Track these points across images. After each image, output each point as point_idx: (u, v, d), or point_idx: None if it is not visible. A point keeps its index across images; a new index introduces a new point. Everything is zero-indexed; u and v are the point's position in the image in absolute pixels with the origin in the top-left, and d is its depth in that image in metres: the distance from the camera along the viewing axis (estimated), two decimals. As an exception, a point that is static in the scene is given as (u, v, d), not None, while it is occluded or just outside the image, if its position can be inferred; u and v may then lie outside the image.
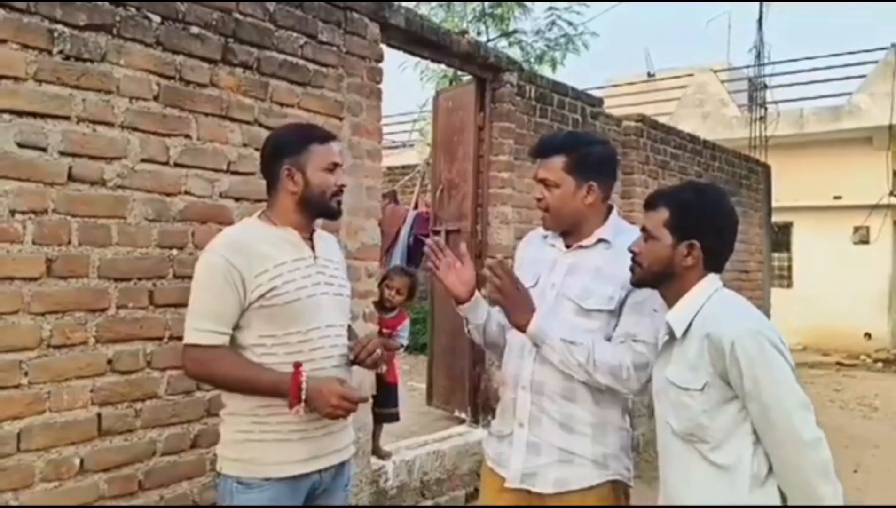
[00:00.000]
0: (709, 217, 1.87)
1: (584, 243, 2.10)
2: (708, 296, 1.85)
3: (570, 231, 2.14)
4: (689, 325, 1.82)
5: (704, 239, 1.85)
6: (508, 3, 9.47)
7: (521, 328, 2.00)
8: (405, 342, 4.11)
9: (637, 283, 1.94)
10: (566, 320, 2.03)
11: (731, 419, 1.76)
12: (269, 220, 2.03)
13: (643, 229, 1.92)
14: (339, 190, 2.07)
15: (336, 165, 2.05)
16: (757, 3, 11.51)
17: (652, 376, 1.97)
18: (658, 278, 1.90)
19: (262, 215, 2.07)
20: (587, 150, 2.11)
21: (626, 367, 1.96)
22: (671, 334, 1.86)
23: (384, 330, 3.84)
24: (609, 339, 2.03)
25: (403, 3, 4.00)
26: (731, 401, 1.76)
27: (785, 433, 1.70)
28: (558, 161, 2.07)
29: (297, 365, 1.89)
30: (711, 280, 1.88)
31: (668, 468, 1.90)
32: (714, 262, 1.89)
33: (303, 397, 1.86)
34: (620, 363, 1.96)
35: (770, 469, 1.76)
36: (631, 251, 1.93)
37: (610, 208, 2.16)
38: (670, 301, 1.90)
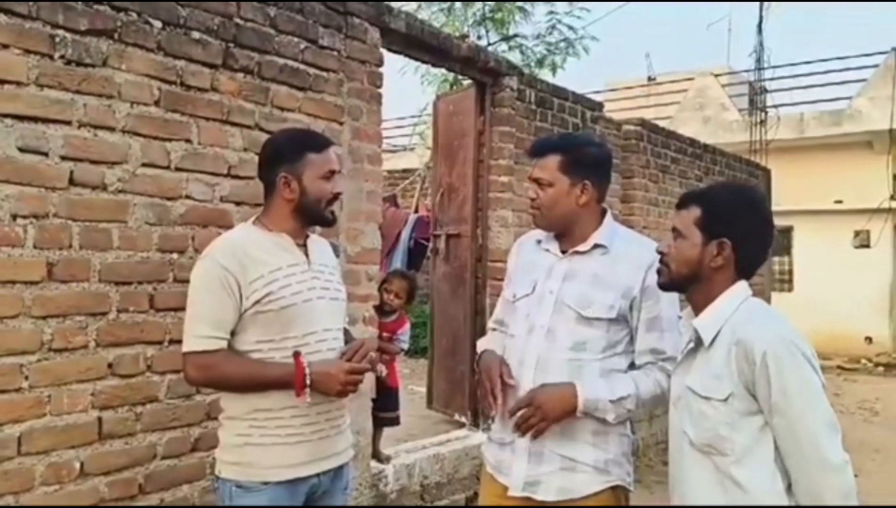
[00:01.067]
0: (742, 217, 1.78)
1: (580, 248, 2.09)
2: (738, 304, 1.77)
3: (564, 233, 2.13)
4: (717, 332, 1.74)
5: (736, 239, 1.76)
6: (509, 6, 9.47)
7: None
8: (406, 346, 4.11)
9: (664, 286, 1.89)
10: (567, 328, 2.03)
11: (752, 433, 1.69)
12: (263, 225, 2.04)
13: (673, 229, 1.86)
14: (335, 197, 2.07)
15: (333, 172, 2.05)
16: (757, 8, 11.52)
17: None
18: (686, 280, 1.82)
19: (256, 220, 2.07)
20: (582, 150, 2.12)
21: (665, 390, 2.00)
22: (697, 340, 1.79)
23: (384, 334, 3.84)
24: (614, 345, 2.03)
25: (404, 8, 4.02)
26: (754, 415, 1.68)
27: (810, 452, 1.62)
28: (553, 160, 2.08)
29: (297, 355, 1.91)
30: (742, 287, 1.80)
31: (683, 478, 1.82)
32: (745, 267, 1.81)
33: (307, 383, 1.89)
34: (662, 389, 2.00)
35: (788, 486, 1.68)
36: (659, 253, 1.88)
37: (604, 212, 2.15)
38: (697, 307, 1.82)
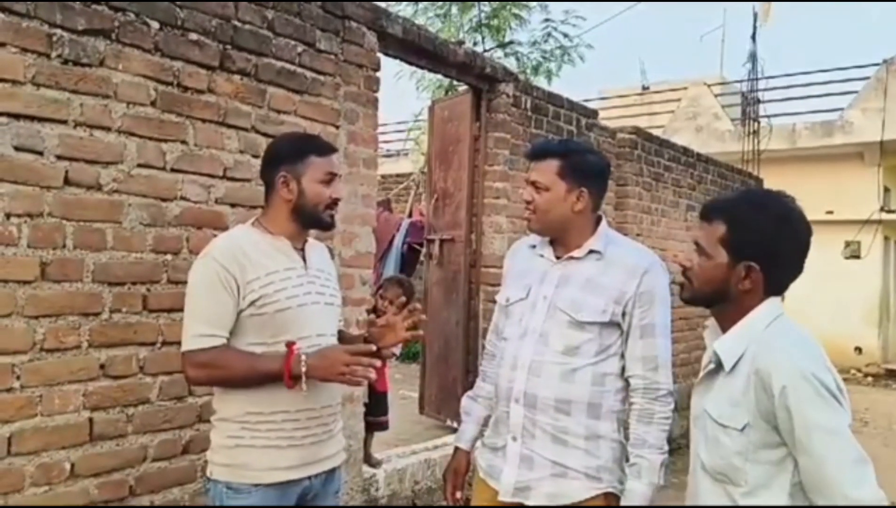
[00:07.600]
0: (771, 237, 1.63)
1: (574, 254, 2.09)
2: (766, 324, 1.63)
3: (557, 238, 2.14)
4: (740, 356, 1.62)
5: (765, 262, 1.62)
6: (505, 13, 9.50)
7: None
8: (397, 351, 4.10)
9: (687, 301, 1.78)
10: (559, 332, 2.03)
11: (768, 467, 1.58)
12: (262, 227, 2.04)
13: (696, 243, 1.74)
14: (334, 203, 2.06)
15: (333, 176, 2.05)
16: (751, 18, 11.59)
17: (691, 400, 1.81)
18: (711, 298, 1.71)
19: (255, 222, 2.07)
20: (581, 157, 2.12)
21: (667, 420, 2.02)
22: (718, 363, 1.67)
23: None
24: (606, 348, 2.03)
25: (401, 13, 4.02)
26: (773, 448, 1.57)
27: (839, 491, 1.48)
28: (552, 165, 2.08)
29: (291, 344, 1.89)
30: (771, 305, 1.66)
31: (695, 499, 1.73)
32: (776, 286, 1.67)
33: (302, 369, 1.85)
34: (664, 429, 2.01)
35: None
36: (681, 265, 1.77)
37: (599, 219, 2.16)
38: (724, 325, 1.70)
